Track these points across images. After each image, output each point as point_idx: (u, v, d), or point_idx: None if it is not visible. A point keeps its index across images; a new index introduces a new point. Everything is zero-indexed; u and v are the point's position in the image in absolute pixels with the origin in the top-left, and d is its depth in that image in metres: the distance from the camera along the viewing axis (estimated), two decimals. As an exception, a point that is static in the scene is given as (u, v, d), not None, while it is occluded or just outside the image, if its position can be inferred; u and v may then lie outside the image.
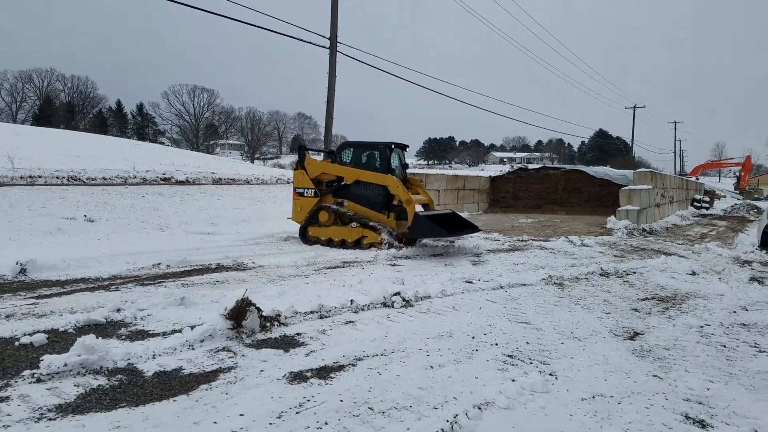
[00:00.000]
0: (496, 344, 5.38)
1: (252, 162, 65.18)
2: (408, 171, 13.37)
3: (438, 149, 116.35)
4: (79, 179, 22.42)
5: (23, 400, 3.76)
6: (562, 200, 25.24)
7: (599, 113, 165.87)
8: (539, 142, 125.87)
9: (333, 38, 20.83)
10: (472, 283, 8.06)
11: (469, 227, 12.29)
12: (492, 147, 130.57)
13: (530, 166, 28.68)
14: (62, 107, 73.73)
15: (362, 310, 6.44)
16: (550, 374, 4.62)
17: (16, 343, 4.82)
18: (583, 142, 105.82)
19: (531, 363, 4.88)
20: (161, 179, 25.72)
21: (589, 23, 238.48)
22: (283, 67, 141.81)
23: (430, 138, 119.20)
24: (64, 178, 21.69)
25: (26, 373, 4.18)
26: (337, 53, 20.84)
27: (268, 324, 5.63)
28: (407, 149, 13.17)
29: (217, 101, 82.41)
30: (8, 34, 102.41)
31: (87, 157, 26.33)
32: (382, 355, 4.95)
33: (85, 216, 12.45)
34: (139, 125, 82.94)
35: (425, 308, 6.63)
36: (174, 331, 5.32)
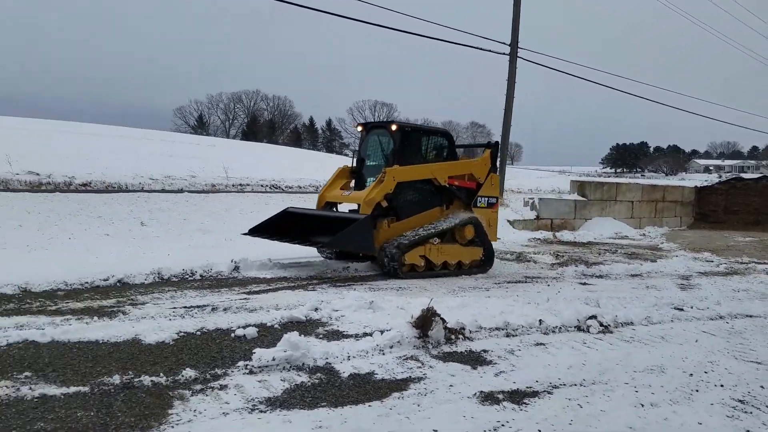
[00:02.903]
0: (722, 385, 4.56)
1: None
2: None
3: (627, 156, 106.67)
4: (279, 187, 25.02)
5: (238, 390, 4.11)
6: (789, 217, 21.24)
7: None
8: (754, 148, 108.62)
9: (513, 44, 20.26)
10: (682, 310, 7.05)
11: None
12: (694, 153, 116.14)
13: (745, 176, 24.65)
14: (265, 124, 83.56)
15: (553, 332, 5.98)
16: (801, 431, 3.74)
17: (232, 335, 5.36)
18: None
19: (772, 414, 4.02)
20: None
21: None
22: (456, 76, 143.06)
23: (617, 144, 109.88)
24: (267, 186, 24.42)
25: (240, 363, 4.59)
26: (518, 59, 20.25)
27: (452, 336, 5.52)
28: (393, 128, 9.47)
29: (395, 114, 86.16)
30: (223, 62, 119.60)
31: (285, 168, 29.34)
32: (580, 385, 4.50)
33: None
34: (328, 139, 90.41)
35: (627, 336, 5.93)
36: (365, 334, 5.48)
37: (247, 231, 9.78)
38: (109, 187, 16.57)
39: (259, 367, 4.52)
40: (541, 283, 8.82)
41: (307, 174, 28.13)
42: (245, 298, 6.86)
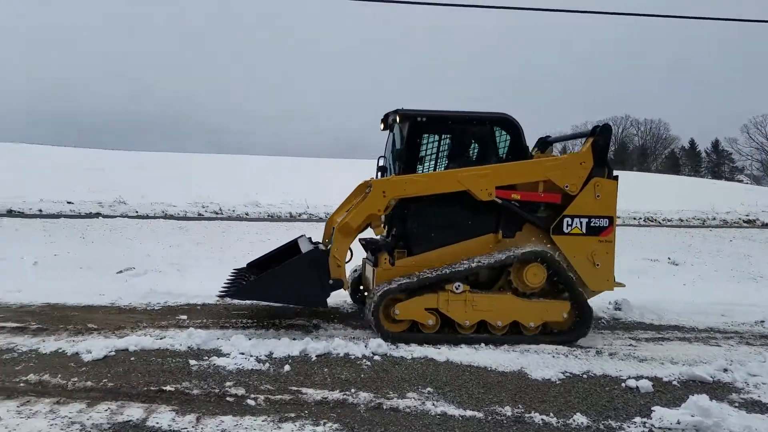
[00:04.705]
0: None
1: None
2: None
3: None
4: (656, 220, 22.73)
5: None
6: None
7: None
8: None
9: None
10: None
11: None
12: None
13: None
14: (636, 150, 78.14)
15: None
16: None
17: (623, 385, 4.87)
18: None
19: None
20: (744, 221, 23.09)
21: None
22: None
23: None
24: (640, 219, 22.50)
25: (637, 420, 4.10)
26: None
27: None
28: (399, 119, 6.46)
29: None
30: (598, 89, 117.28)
31: (661, 199, 26.59)
32: None
33: (669, 258, 12.20)
34: (713, 163, 78.46)
35: None
36: (806, 416, 4.19)
37: (244, 266, 7.69)
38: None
39: (660, 428, 3.94)
40: None
41: (689, 204, 24.87)
42: (632, 345, 6.19)
